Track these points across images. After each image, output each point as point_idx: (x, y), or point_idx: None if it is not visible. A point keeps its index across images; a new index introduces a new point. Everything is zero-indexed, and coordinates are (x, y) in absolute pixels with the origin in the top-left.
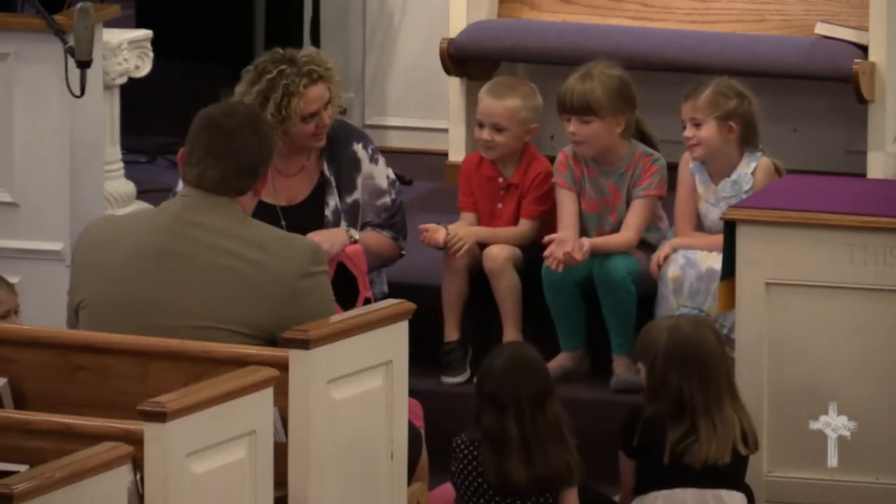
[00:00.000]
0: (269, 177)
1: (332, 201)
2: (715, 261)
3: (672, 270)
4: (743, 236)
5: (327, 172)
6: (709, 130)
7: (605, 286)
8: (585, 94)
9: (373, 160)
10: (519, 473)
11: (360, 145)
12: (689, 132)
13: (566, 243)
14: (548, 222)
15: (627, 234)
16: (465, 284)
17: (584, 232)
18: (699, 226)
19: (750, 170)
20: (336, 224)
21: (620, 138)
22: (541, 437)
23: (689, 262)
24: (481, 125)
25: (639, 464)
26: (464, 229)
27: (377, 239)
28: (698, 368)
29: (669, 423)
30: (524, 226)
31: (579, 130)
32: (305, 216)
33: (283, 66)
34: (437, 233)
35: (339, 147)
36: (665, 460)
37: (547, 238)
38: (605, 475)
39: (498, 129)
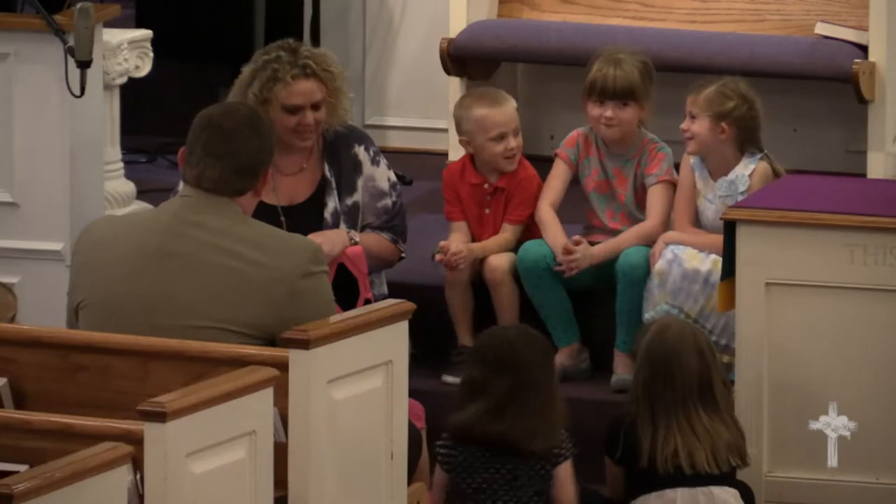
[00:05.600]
0: (270, 175)
1: (332, 203)
2: (702, 262)
3: (659, 264)
4: (743, 236)
5: (328, 174)
6: (700, 126)
7: (629, 279)
8: (627, 78)
9: (374, 162)
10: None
11: (361, 147)
12: (684, 124)
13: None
14: (530, 227)
15: (652, 221)
16: (469, 295)
17: (593, 214)
18: (696, 222)
19: (747, 171)
20: (335, 225)
21: (638, 123)
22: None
23: (675, 259)
24: (503, 137)
25: (627, 470)
26: (463, 245)
27: (377, 241)
28: (663, 372)
29: (646, 424)
30: (508, 232)
31: (617, 115)
32: (305, 217)
33: (282, 53)
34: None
35: (340, 149)
36: (644, 464)
37: (565, 247)
38: (603, 475)
39: (516, 133)
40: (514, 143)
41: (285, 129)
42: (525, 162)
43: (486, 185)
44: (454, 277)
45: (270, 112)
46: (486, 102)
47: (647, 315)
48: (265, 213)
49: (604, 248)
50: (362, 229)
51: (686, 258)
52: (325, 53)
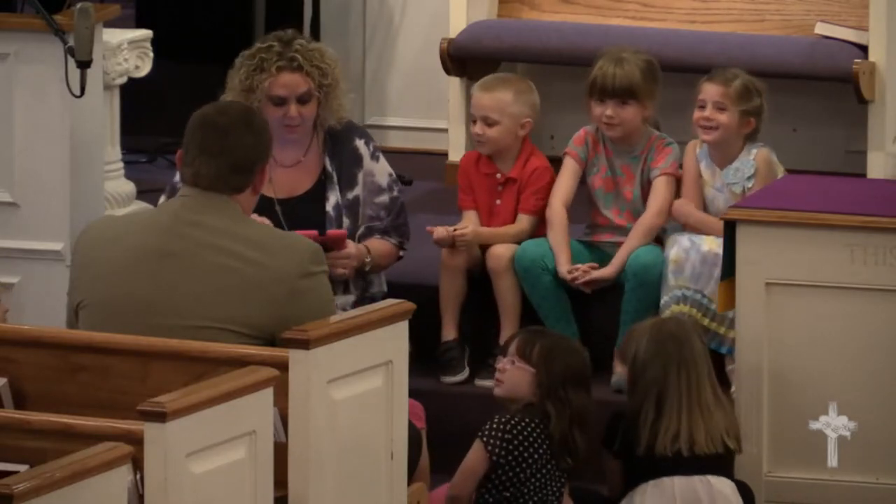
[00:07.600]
0: (267, 168)
1: (333, 197)
2: (718, 244)
3: (675, 252)
4: (743, 236)
5: (329, 167)
6: (730, 119)
7: (640, 279)
8: (627, 77)
9: (374, 157)
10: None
11: (361, 142)
12: (710, 112)
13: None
14: (545, 219)
15: (649, 212)
16: (462, 284)
17: (597, 212)
18: (704, 212)
19: (751, 156)
20: (337, 219)
21: (643, 121)
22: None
23: (693, 245)
24: (475, 120)
25: (625, 462)
26: (470, 227)
27: (385, 249)
28: (678, 356)
29: (649, 415)
30: (523, 221)
31: (618, 114)
32: (304, 209)
33: (275, 44)
34: (444, 232)
35: (340, 143)
36: (641, 452)
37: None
38: (602, 475)
39: (488, 122)
40: (477, 128)
41: (272, 120)
42: (538, 152)
43: (497, 175)
44: (450, 261)
45: (254, 101)
46: (481, 85)
47: (662, 300)
48: (261, 204)
49: (617, 261)
50: (367, 229)
51: (703, 241)
52: (320, 48)
